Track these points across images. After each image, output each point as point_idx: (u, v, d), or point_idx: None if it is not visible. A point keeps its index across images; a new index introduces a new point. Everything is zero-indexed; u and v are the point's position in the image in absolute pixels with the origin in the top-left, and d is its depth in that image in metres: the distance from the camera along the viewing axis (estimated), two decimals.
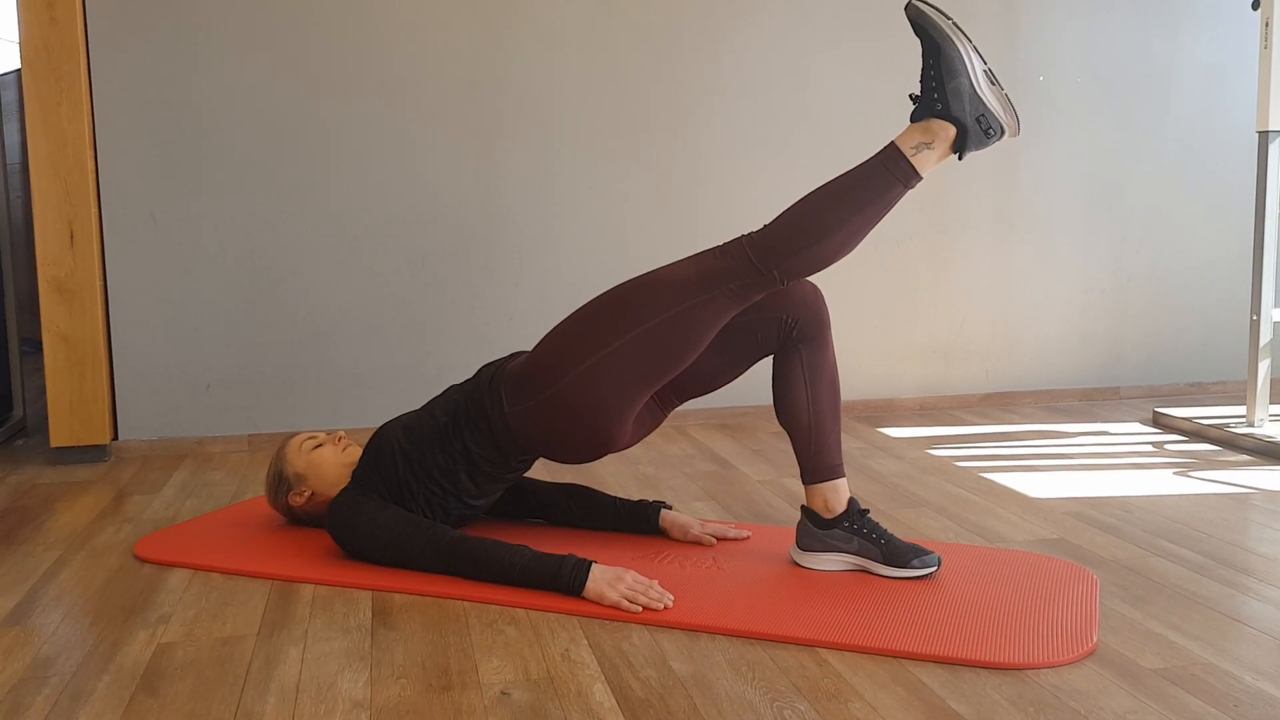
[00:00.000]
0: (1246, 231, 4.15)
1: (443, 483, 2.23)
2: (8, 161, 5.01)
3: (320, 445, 2.41)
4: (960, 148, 1.98)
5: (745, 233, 2.09)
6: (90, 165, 3.18)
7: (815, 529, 2.19)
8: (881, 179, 1.98)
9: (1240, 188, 4.13)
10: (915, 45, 3.75)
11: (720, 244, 2.10)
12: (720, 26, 3.60)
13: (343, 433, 2.45)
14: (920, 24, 1.98)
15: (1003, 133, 1.98)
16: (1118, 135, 3.98)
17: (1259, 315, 3.31)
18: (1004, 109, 1.97)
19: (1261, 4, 3.22)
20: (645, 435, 2.28)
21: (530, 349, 2.31)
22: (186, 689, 1.72)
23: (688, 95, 3.60)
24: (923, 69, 1.98)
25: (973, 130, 1.96)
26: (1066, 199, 3.96)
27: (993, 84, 1.97)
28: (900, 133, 2.08)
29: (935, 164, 1.99)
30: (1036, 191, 3.93)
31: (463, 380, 2.50)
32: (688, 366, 2.17)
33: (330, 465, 2.39)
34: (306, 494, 2.40)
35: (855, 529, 2.16)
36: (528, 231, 3.53)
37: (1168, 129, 4.03)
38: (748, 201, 3.67)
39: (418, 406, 3.47)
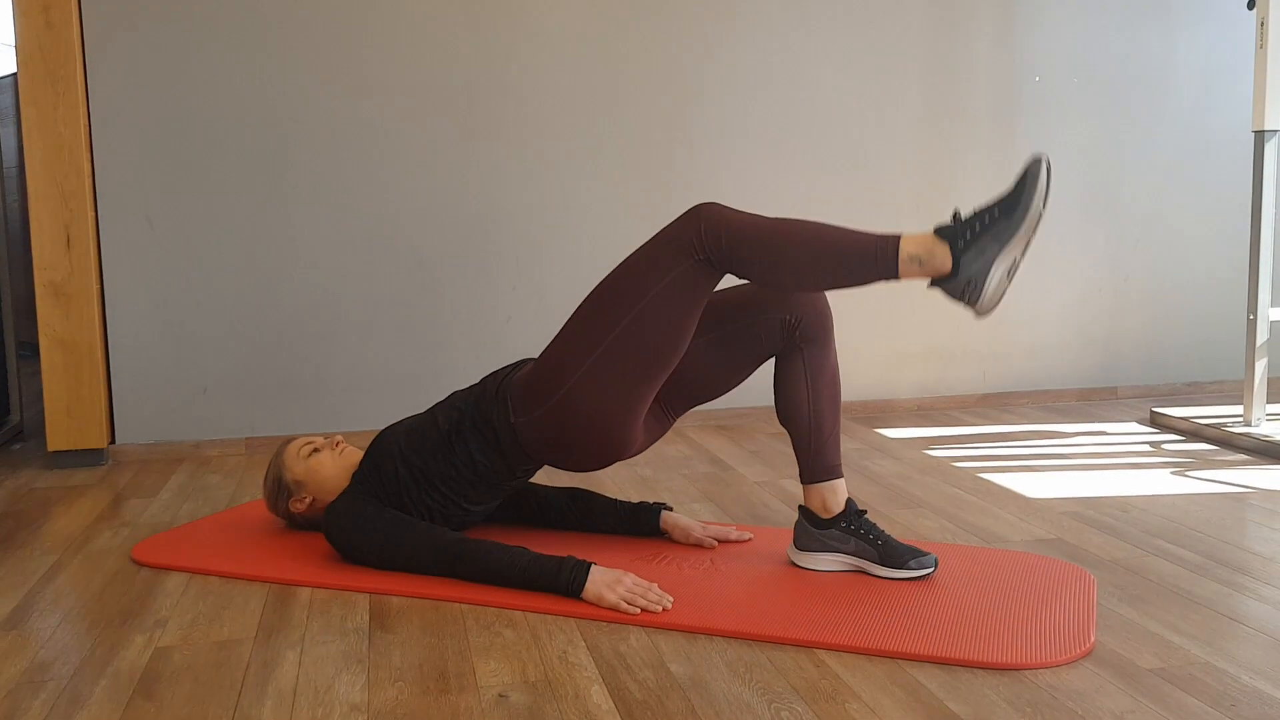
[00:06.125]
0: (1243, 231, 4.16)
1: (443, 489, 2.22)
2: (4, 165, 5.01)
3: (317, 450, 2.40)
4: (938, 285, 1.95)
5: (711, 202, 2.04)
6: (86, 169, 3.18)
7: (812, 528, 2.19)
8: (867, 265, 1.95)
9: (1236, 187, 4.13)
10: (906, 42, 3.75)
11: (684, 214, 2.05)
12: (715, 27, 3.60)
13: (339, 437, 2.44)
14: (1028, 184, 1.91)
15: (972, 307, 1.96)
16: (1114, 136, 3.98)
17: (1256, 314, 3.31)
18: (993, 296, 1.95)
19: (1257, 4, 3.23)
20: (654, 441, 2.28)
21: (536, 357, 2.30)
22: (183, 693, 1.72)
23: (684, 97, 3.60)
24: (984, 207, 1.93)
25: (960, 285, 1.94)
26: (1063, 199, 3.97)
27: (1008, 274, 1.95)
28: (912, 234, 2.03)
29: (913, 278, 1.97)
30: None
31: (466, 386, 2.49)
32: (696, 371, 2.19)
33: (329, 471, 2.38)
34: (308, 500, 2.40)
35: (852, 529, 2.16)
36: (524, 234, 3.53)
37: (1164, 129, 4.03)
38: (744, 202, 3.67)
39: (415, 409, 3.49)
